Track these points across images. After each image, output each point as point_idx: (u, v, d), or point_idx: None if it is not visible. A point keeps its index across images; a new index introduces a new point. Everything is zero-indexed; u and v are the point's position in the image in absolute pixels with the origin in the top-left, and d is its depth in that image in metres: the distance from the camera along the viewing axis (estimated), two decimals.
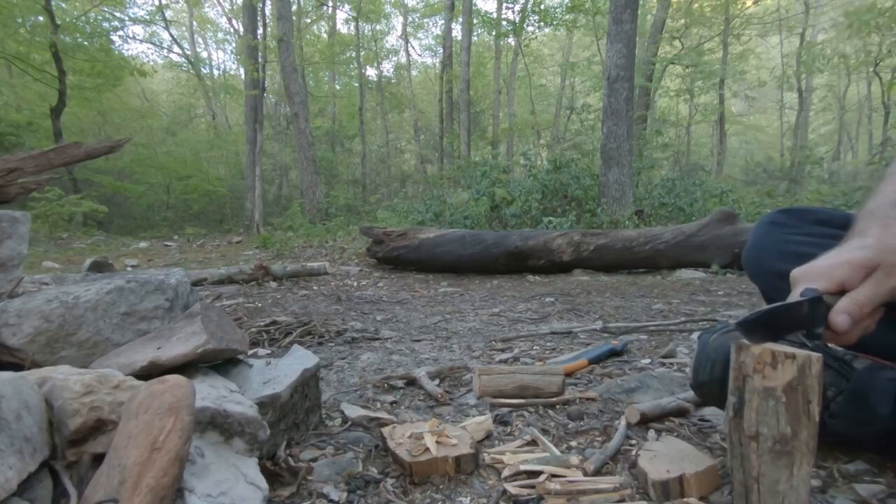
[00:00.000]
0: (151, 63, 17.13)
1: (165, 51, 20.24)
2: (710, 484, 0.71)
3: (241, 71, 15.13)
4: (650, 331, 1.88)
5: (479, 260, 4.19)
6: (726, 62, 14.21)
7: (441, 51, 16.09)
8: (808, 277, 0.68)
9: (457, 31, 14.22)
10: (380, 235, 4.64)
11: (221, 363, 0.92)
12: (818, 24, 17.06)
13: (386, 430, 0.88)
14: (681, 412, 0.99)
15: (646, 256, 4.01)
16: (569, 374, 1.30)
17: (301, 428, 0.93)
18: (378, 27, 19.80)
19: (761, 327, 0.64)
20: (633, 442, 0.89)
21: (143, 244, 7.06)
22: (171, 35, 17.74)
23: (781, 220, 0.96)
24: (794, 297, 0.66)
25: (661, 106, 16.66)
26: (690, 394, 1.04)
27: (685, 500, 0.69)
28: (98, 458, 0.63)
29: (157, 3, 15.58)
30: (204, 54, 21.99)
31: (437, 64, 18.48)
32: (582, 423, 0.99)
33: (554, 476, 0.75)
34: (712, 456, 0.77)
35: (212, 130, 17.50)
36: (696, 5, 14.52)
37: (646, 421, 0.97)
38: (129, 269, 4.76)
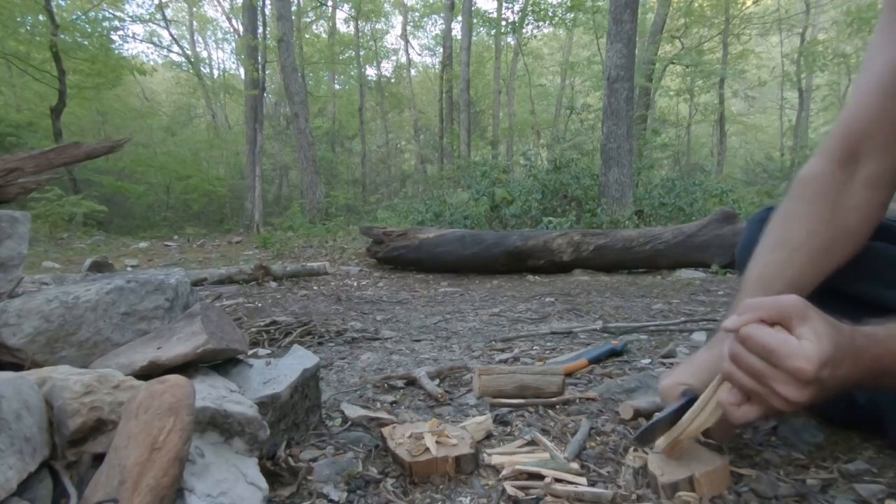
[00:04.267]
0: (151, 62, 17.14)
1: (165, 50, 20.24)
2: (720, 483, 0.71)
3: (241, 71, 15.13)
4: (650, 331, 1.87)
5: (479, 260, 4.19)
6: (726, 62, 14.21)
7: (441, 50, 16.08)
8: (681, 378, 0.78)
9: (456, 30, 14.22)
10: (380, 235, 4.64)
11: (221, 363, 0.92)
12: (818, 24, 17.06)
13: (386, 430, 0.88)
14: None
15: (646, 256, 4.01)
16: (569, 374, 1.30)
17: (301, 428, 0.93)
18: (378, 26, 19.81)
19: (656, 433, 0.73)
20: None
21: (143, 244, 7.06)
22: (171, 34, 17.77)
23: None
24: (673, 403, 0.74)
25: (661, 106, 16.67)
26: None
27: (687, 494, 0.68)
28: (98, 458, 0.63)
29: (156, 1, 15.58)
30: (204, 54, 22.02)
31: (437, 64, 18.48)
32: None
33: (557, 480, 0.75)
34: (721, 455, 0.76)
35: (212, 130, 17.50)
36: (696, 5, 14.51)
37: (639, 417, 0.97)
38: (129, 269, 4.76)
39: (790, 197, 0.86)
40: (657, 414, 0.73)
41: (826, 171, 0.83)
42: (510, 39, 16.09)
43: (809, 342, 0.58)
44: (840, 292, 0.80)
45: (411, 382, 1.29)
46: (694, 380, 0.76)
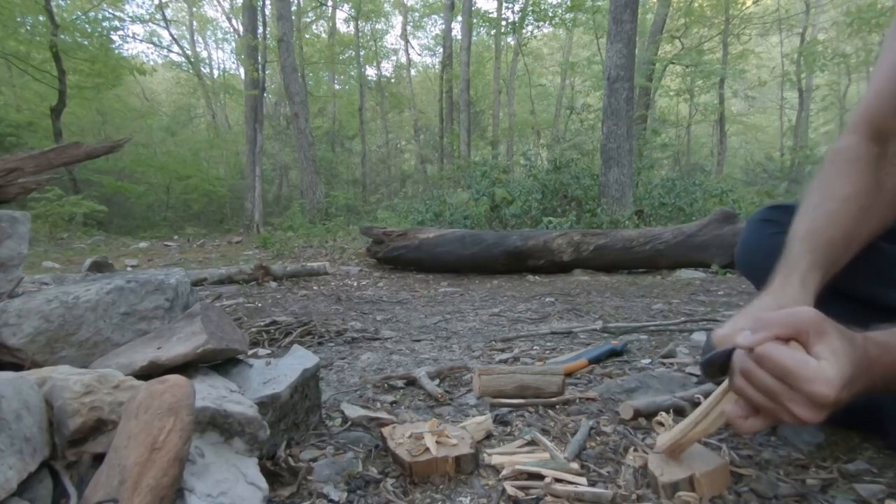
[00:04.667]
0: (151, 63, 17.14)
1: (165, 50, 20.25)
2: (720, 483, 0.71)
3: (241, 71, 15.13)
4: (650, 331, 1.87)
5: (479, 260, 4.19)
6: (726, 62, 14.20)
7: (440, 50, 16.09)
8: (742, 325, 0.72)
9: (456, 30, 14.22)
10: (380, 235, 4.64)
11: (221, 363, 0.92)
12: (818, 24, 17.05)
13: (386, 430, 0.88)
14: (677, 411, 0.99)
15: (646, 256, 4.01)
16: (569, 374, 1.30)
17: (301, 428, 0.93)
18: (378, 26, 19.81)
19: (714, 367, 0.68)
20: (636, 441, 0.89)
21: (143, 244, 7.06)
22: (171, 34, 17.76)
23: (772, 217, 0.96)
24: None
25: (661, 106, 16.66)
26: (688, 393, 1.04)
27: (687, 494, 0.68)
28: (98, 458, 0.63)
29: (156, 1, 15.58)
30: (204, 54, 22.02)
31: (437, 64, 18.49)
32: None
33: (557, 480, 0.75)
34: (721, 454, 0.76)
35: (212, 130, 17.49)
36: (696, 5, 14.51)
37: (638, 417, 0.97)
38: (129, 269, 4.76)
39: (827, 164, 0.85)
40: (718, 350, 0.68)
41: (860, 144, 0.83)
42: (510, 39, 16.10)
43: (829, 364, 0.56)
44: (845, 293, 0.80)
45: (411, 382, 1.29)
46: None
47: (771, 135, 20.30)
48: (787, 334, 0.59)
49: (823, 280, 0.75)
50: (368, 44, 18.92)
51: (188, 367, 0.83)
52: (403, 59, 21.30)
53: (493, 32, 15.21)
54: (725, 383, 0.67)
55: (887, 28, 0.86)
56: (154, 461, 0.56)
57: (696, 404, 0.70)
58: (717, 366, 0.66)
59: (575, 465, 0.79)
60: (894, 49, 0.82)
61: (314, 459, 0.85)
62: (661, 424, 0.92)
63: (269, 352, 1.74)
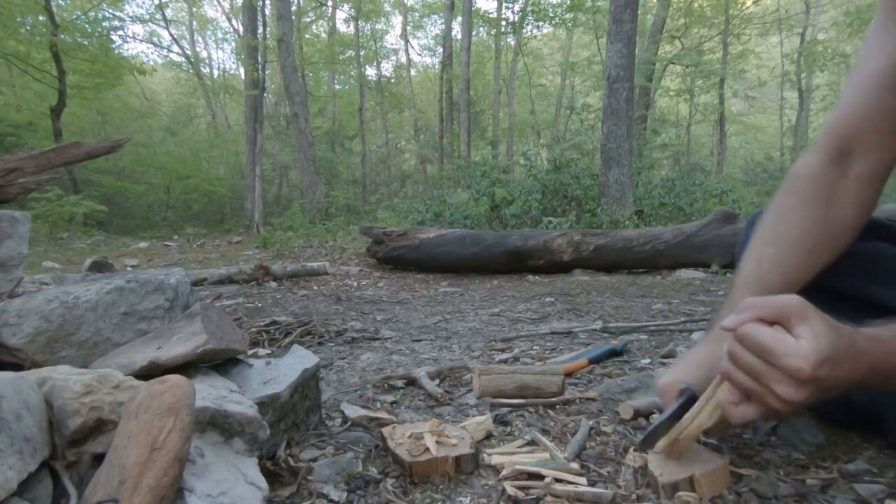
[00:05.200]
0: (151, 63, 17.14)
1: (165, 50, 20.25)
2: (720, 483, 0.71)
3: (241, 71, 15.14)
4: (650, 331, 1.87)
5: (479, 260, 4.19)
6: (726, 62, 14.21)
7: (440, 50, 16.09)
8: (679, 376, 0.77)
9: (456, 30, 14.23)
10: (380, 235, 4.64)
11: (221, 363, 0.92)
12: (818, 24, 17.06)
13: (386, 430, 0.88)
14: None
15: (646, 256, 4.01)
16: (569, 374, 1.30)
17: (301, 428, 0.93)
18: (378, 26, 19.81)
19: (658, 436, 0.73)
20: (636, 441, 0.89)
21: (143, 244, 7.06)
22: (171, 34, 17.76)
23: None
24: (673, 403, 0.73)
25: (661, 106, 16.67)
26: None
27: (687, 494, 0.68)
28: (98, 458, 0.63)
29: (156, 1, 15.58)
30: (204, 54, 22.02)
31: (437, 64, 18.49)
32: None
33: (557, 480, 0.75)
34: (721, 455, 0.76)
35: (212, 130, 17.50)
36: (696, 5, 14.51)
37: (638, 417, 0.97)
38: (129, 269, 4.76)
39: (783, 192, 0.86)
40: (657, 416, 0.73)
41: (820, 167, 0.83)
42: (510, 39, 16.10)
43: (807, 341, 0.58)
44: (839, 292, 0.80)
45: (411, 382, 1.29)
46: (692, 378, 0.76)
47: (771, 135, 20.31)
48: (771, 317, 0.61)
49: None
50: (368, 44, 18.93)
51: (188, 367, 0.83)
52: (403, 59, 21.32)
53: (493, 32, 15.23)
54: (718, 378, 0.68)
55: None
56: (154, 461, 0.56)
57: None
58: (666, 426, 0.71)
59: (575, 465, 0.79)
60: (870, 59, 0.81)
61: (314, 459, 0.85)
62: None
63: (269, 352, 1.74)
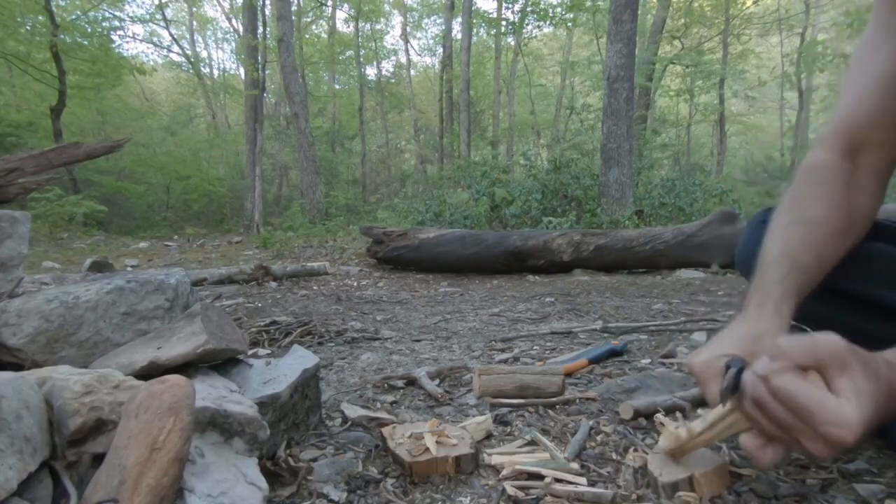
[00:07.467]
0: (151, 63, 17.14)
1: (165, 50, 20.24)
2: (720, 483, 0.71)
3: (241, 71, 15.13)
4: (650, 331, 1.87)
5: (479, 260, 4.18)
6: (726, 62, 14.21)
7: (440, 50, 16.10)
8: (720, 351, 0.68)
9: (456, 30, 14.23)
10: (380, 235, 4.64)
11: (221, 363, 0.92)
12: (818, 24, 17.05)
13: (386, 430, 0.88)
14: (673, 410, 0.99)
15: (646, 256, 4.01)
16: (569, 374, 1.30)
17: (301, 428, 0.93)
18: (378, 26, 19.81)
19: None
20: (636, 441, 0.89)
21: (143, 244, 7.06)
22: (171, 34, 17.76)
23: None
24: (726, 377, 0.63)
25: (661, 106, 16.67)
26: (689, 393, 1.04)
27: (687, 494, 0.68)
28: (98, 458, 0.63)
29: (156, 1, 15.57)
30: (204, 54, 22.02)
31: (437, 64, 18.49)
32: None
33: (557, 480, 0.75)
34: (721, 454, 0.76)
35: (212, 130, 17.50)
36: (696, 5, 14.52)
37: (638, 417, 0.97)
38: (129, 269, 4.76)
39: (800, 181, 0.85)
40: (731, 370, 0.65)
41: (832, 159, 0.83)
42: (510, 39, 16.10)
43: (850, 405, 0.52)
44: (841, 293, 0.80)
45: (411, 382, 1.29)
46: (735, 350, 0.67)
47: (771, 135, 20.32)
48: (808, 364, 0.55)
49: (796, 305, 0.74)
50: (368, 44, 18.92)
51: (188, 367, 0.83)
52: (403, 59, 21.32)
53: (493, 32, 15.22)
54: (730, 403, 0.64)
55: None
56: (154, 461, 0.56)
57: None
58: (731, 389, 0.62)
59: (575, 465, 0.79)
60: (871, 58, 0.81)
61: (314, 459, 0.85)
62: (663, 425, 0.92)
63: (269, 352, 1.74)
